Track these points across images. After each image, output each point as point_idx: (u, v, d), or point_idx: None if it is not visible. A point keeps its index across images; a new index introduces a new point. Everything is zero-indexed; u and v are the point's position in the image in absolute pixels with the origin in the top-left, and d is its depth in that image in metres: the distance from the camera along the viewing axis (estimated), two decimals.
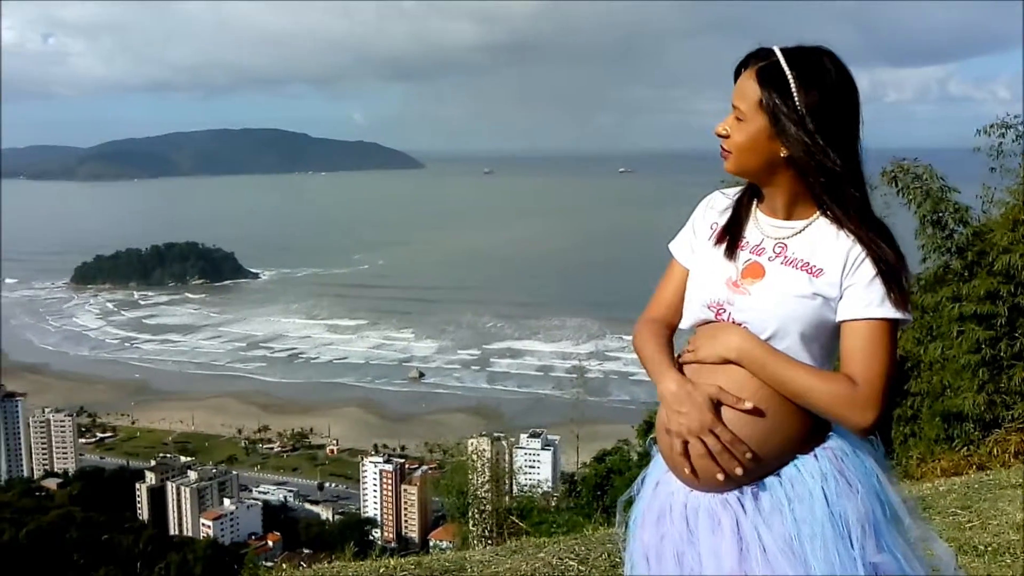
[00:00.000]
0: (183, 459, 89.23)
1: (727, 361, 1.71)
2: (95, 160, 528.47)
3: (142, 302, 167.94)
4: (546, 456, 72.30)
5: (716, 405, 1.68)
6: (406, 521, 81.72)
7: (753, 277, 1.73)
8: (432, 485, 64.24)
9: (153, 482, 79.80)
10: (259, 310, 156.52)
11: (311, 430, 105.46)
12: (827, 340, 1.70)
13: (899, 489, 1.72)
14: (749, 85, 1.69)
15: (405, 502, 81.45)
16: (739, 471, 1.67)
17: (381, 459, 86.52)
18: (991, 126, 9.61)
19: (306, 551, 61.14)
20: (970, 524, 4.28)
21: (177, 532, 73.65)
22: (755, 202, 1.81)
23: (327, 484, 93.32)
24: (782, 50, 1.68)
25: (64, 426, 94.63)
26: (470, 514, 16.26)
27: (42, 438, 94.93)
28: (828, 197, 1.69)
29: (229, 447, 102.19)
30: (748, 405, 1.68)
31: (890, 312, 1.64)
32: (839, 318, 1.67)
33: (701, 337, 1.76)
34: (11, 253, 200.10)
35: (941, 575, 1.76)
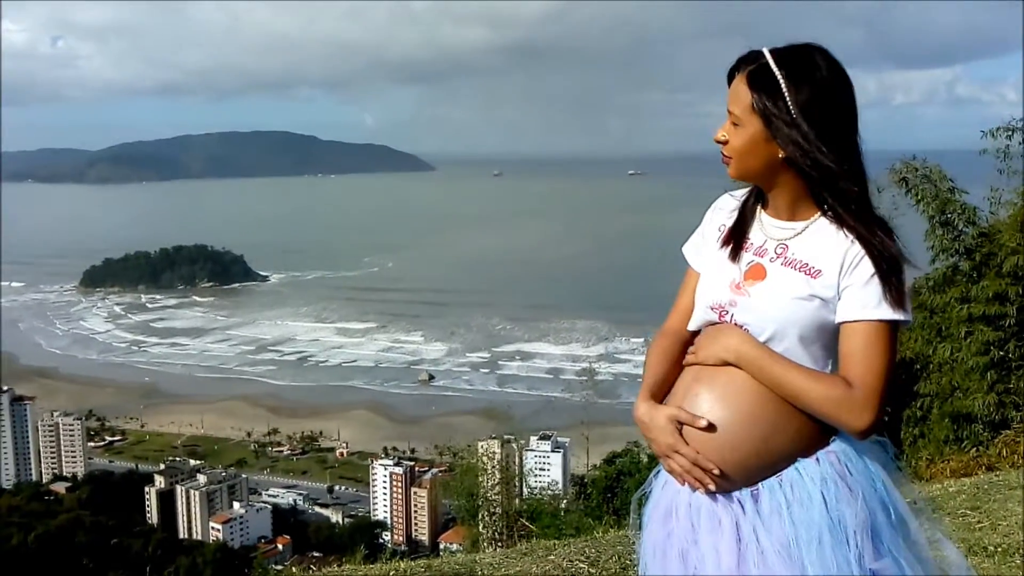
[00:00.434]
0: (192, 462, 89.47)
1: (727, 363, 1.72)
2: (105, 163, 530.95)
3: (151, 305, 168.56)
4: (556, 458, 72.17)
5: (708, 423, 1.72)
6: (416, 524, 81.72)
7: (755, 279, 1.75)
8: (442, 488, 64.39)
9: (162, 486, 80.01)
10: (268, 313, 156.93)
11: (321, 433, 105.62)
12: (829, 342, 1.70)
13: (910, 491, 1.73)
14: (741, 89, 1.70)
15: (415, 505, 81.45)
16: (711, 486, 1.69)
17: (391, 462, 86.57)
18: (998, 128, 9.59)
19: (316, 554, 61.17)
20: (980, 525, 4.28)
21: (186, 536, 73.87)
22: (760, 204, 1.82)
23: (337, 487, 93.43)
24: (772, 51, 1.69)
25: (73, 430, 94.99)
26: (480, 516, 16.28)
27: (51, 442, 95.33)
28: (827, 195, 1.70)
29: (238, 450, 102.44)
30: (703, 423, 1.70)
31: (887, 313, 1.64)
32: (837, 319, 1.67)
33: (702, 339, 1.79)
34: (20, 256, 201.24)
35: None
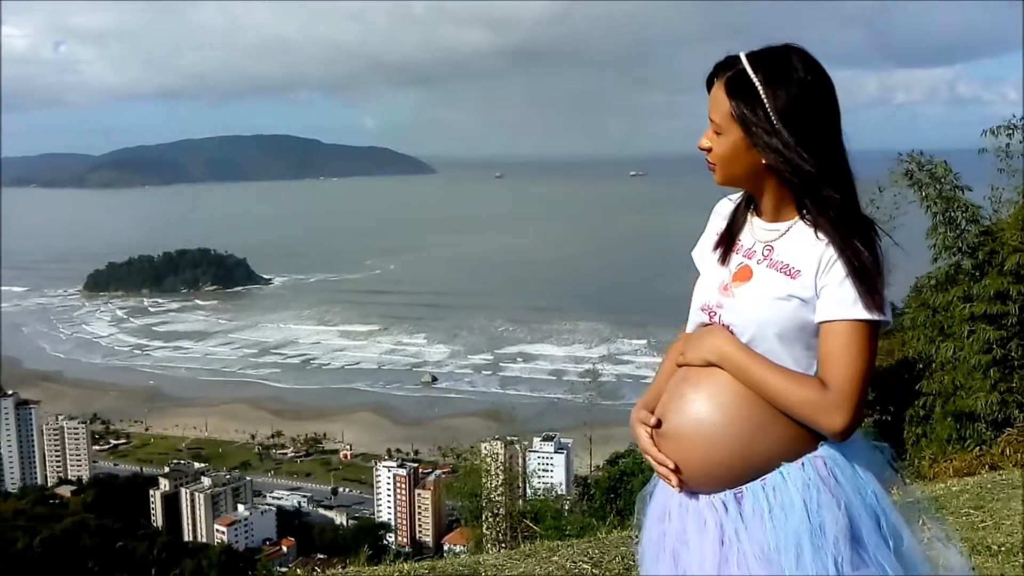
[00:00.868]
0: (197, 465, 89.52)
1: (711, 364, 1.74)
2: (106, 167, 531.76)
3: (154, 309, 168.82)
4: (559, 459, 72.15)
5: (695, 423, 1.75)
6: (420, 525, 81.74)
7: (741, 280, 1.77)
8: (445, 489, 64.37)
9: (167, 489, 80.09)
10: (271, 316, 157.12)
11: (324, 435, 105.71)
12: (811, 343, 1.69)
13: (911, 493, 1.72)
14: (720, 97, 1.70)
15: (419, 506, 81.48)
16: (674, 484, 1.74)
17: (394, 464, 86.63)
18: (998, 127, 9.59)
19: (320, 556, 61.22)
20: (983, 524, 4.29)
21: (191, 538, 73.92)
22: (752, 207, 1.84)
23: (341, 489, 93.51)
24: (748, 55, 1.68)
25: (78, 433, 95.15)
26: (484, 518, 16.29)
27: (56, 445, 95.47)
28: (806, 200, 1.70)
29: (243, 453, 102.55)
30: (653, 421, 1.78)
31: (862, 313, 1.62)
32: (816, 320, 1.67)
33: (691, 340, 1.80)
34: (23, 261, 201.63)
35: None
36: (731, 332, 1.74)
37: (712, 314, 1.79)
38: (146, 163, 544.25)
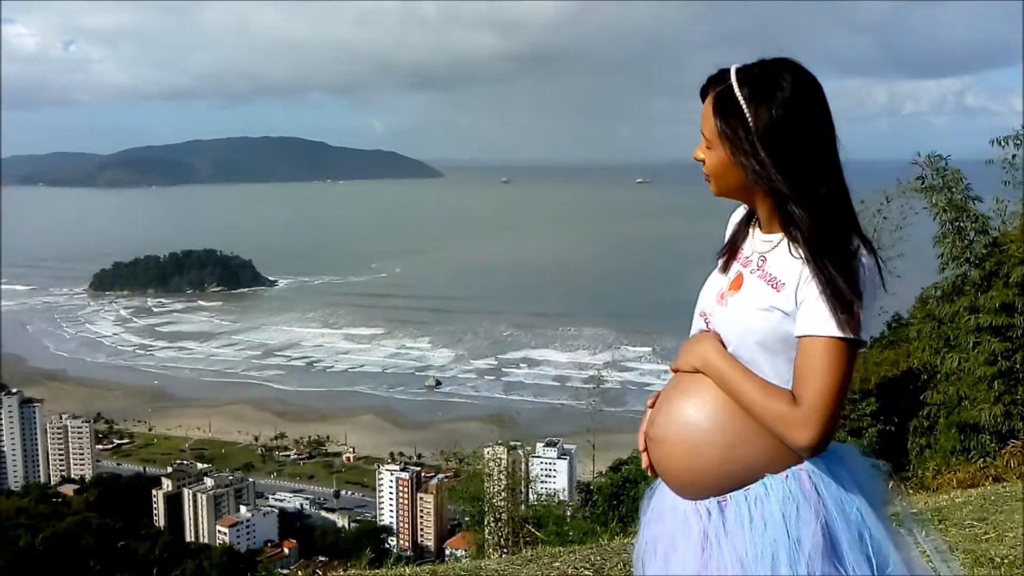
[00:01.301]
0: (200, 466, 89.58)
1: (697, 370, 1.78)
2: (115, 167, 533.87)
3: (160, 309, 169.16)
4: (562, 465, 72.03)
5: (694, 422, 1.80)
6: (422, 529, 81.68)
7: (734, 289, 1.80)
8: (448, 493, 64.32)
9: (169, 489, 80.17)
10: (276, 318, 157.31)
11: (327, 438, 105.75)
12: (793, 355, 1.68)
13: (911, 505, 1.70)
14: (709, 113, 1.73)
15: (421, 510, 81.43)
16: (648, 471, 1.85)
17: (397, 467, 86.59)
18: (1004, 138, 9.56)
19: (322, 559, 61.19)
20: (986, 536, 4.28)
21: (193, 539, 73.97)
22: (754, 217, 1.86)
23: (343, 492, 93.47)
24: (739, 69, 1.69)
25: (81, 432, 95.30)
26: (486, 522, 16.27)
27: (59, 444, 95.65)
28: (784, 214, 1.72)
29: (245, 454, 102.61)
30: (643, 425, 1.86)
31: (835, 330, 1.61)
32: (795, 334, 1.67)
33: (684, 346, 1.84)
34: (30, 260, 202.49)
35: None
36: (720, 340, 1.76)
37: (708, 321, 1.82)
38: (154, 163, 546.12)
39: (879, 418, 11.71)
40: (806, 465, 1.68)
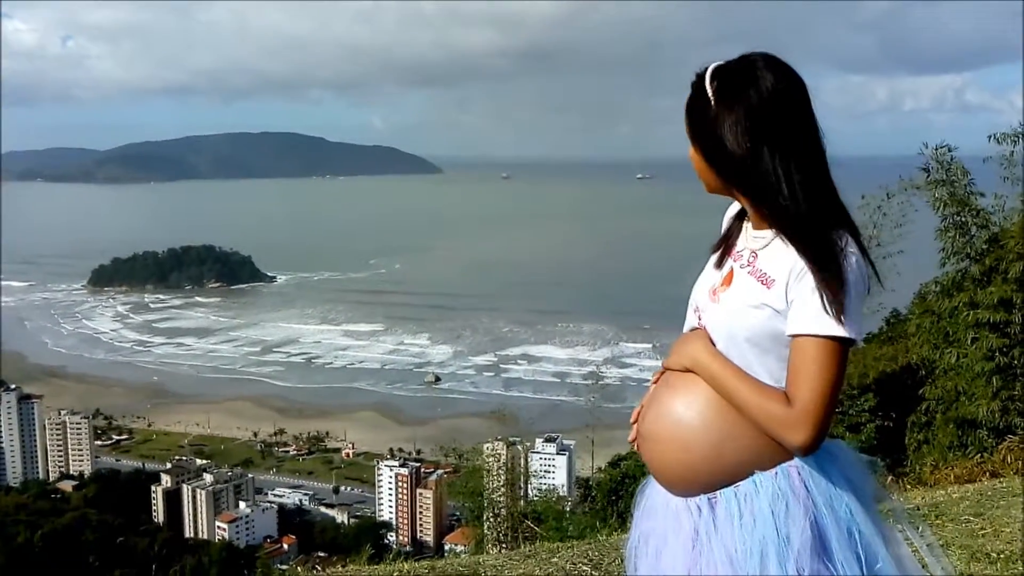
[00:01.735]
0: (199, 462, 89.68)
1: (688, 369, 1.78)
2: (113, 163, 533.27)
3: (159, 305, 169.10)
4: (561, 461, 72.22)
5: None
6: (421, 525, 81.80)
7: (726, 285, 1.79)
8: (447, 489, 64.39)
9: (169, 485, 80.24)
10: (275, 314, 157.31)
11: (327, 434, 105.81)
12: (784, 353, 1.68)
13: (903, 502, 1.73)
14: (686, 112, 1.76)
15: (420, 506, 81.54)
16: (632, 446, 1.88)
17: (396, 463, 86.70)
18: (1003, 135, 9.57)
19: (321, 554, 61.27)
20: (983, 531, 4.29)
21: (192, 535, 74.10)
22: (747, 213, 1.85)
23: (343, 488, 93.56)
24: (715, 69, 1.69)
25: (80, 428, 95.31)
26: (485, 518, 16.31)
27: (58, 440, 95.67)
28: (763, 212, 1.72)
29: (245, 450, 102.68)
30: (632, 420, 1.88)
31: (829, 329, 1.60)
32: (786, 333, 1.66)
33: (676, 344, 1.84)
34: (28, 255, 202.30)
35: None
36: (710, 338, 1.75)
37: (700, 317, 1.82)
38: (153, 159, 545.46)
39: (877, 413, 11.72)
40: (796, 462, 1.69)
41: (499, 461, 18.81)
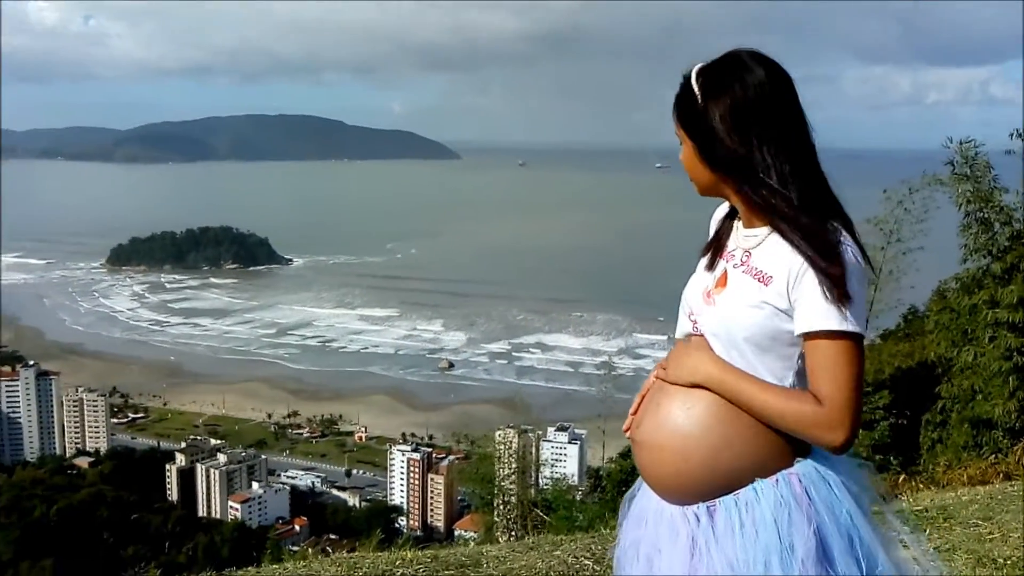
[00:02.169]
0: (213, 442, 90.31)
1: (697, 385, 1.73)
2: (132, 142, 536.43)
3: (175, 285, 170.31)
4: (572, 450, 72.29)
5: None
6: (432, 510, 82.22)
7: (721, 287, 1.76)
8: (458, 474, 64.69)
9: (183, 464, 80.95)
10: (291, 297, 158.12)
11: (340, 417, 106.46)
12: (786, 353, 1.66)
13: (900, 505, 1.73)
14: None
15: (432, 491, 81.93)
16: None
17: (409, 447, 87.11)
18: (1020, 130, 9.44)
19: (332, 536, 61.74)
20: (991, 536, 4.23)
21: (205, 514, 74.76)
22: (738, 213, 1.83)
23: (355, 471, 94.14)
24: (701, 68, 1.69)
25: (97, 406, 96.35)
26: (495, 505, 16.36)
27: (75, 417, 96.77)
28: (758, 207, 1.70)
29: (258, 431, 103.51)
30: (626, 425, 1.85)
31: (840, 324, 1.58)
32: (796, 331, 1.63)
33: (672, 357, 1.80)
34: (48, 233, 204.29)
35: None
36: (711, 348, 1.72)
37: (695, 320, 1.79)
38: (171, 139, 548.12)
39: (892, 411, 11.63)
40: (796, 468, 1.67)
41: (510, 449, 18.87)
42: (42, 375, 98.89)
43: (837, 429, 1.58)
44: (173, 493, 77.53)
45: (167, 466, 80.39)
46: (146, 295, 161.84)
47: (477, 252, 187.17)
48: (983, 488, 5.47)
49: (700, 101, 1.67)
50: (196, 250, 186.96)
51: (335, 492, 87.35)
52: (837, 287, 1.58)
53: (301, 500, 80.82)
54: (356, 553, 4.10)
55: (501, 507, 16.27)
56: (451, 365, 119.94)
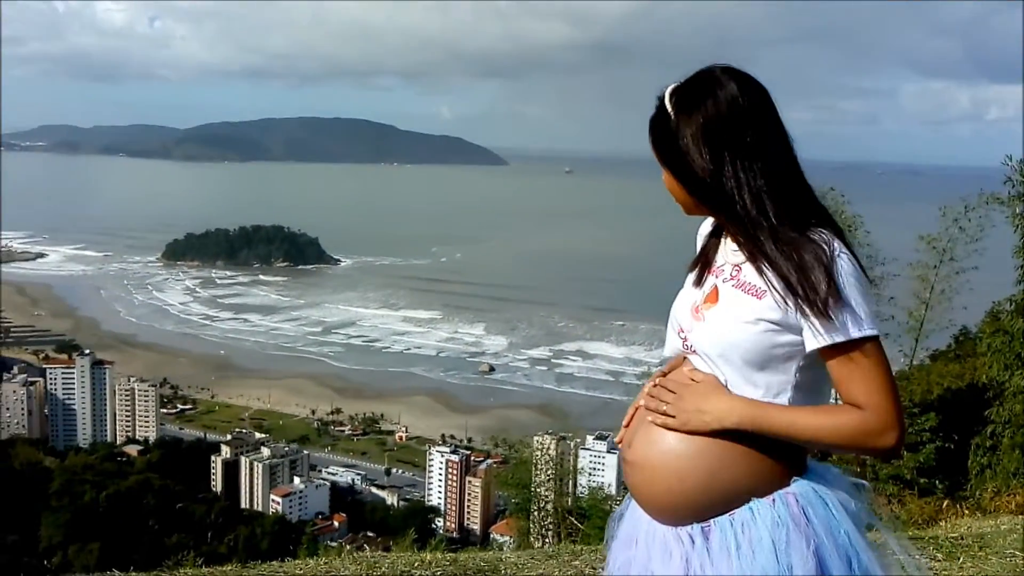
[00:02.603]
0: (257, 435, 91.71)
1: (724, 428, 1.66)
2: (191, 141, 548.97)
3: (226, 281, 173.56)
4: (611, 460, 71.62)
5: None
6: (469, 512, 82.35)
7: (711, 302, 1.71)
8: (496, 478, 64.67)
9: (228, 456, 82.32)
10: (337, 296, 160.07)
11: (382, 416, 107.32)
12: (782, 366, 1.62)
13: (880, 535, 1.65)
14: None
15: (469, 493, 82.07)
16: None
17: (448, 449, 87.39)
18: None
19: (370, 534, 62.20)
20: None
21: (248, 506, 75.82)
22: (725, 228, 1.79)
23: (394, 470, 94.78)
24: (674, 87, 1.66)
25: (148, 396, 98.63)
26: (531, 510, 16.28)
27: (126, 406, 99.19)
28: (732, 228, 1.67)
29: (302, 427, 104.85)
30: (618, 439, 1.79)
31: (861, 330, 1.55)
32: (815, 345, 1.57)
33: (684, 399, 1.69)
34: (107, 227, 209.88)
35: None
36: (725, 389, 1.65)
37: (685, 338, 1.75)
38: (228, 139, 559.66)
39: (939, 433, 11.31)
40: (793, 488, 1.62)
41: (547, 455, 18.77)
42: (97, 364, 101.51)
43: (888, 431, 1.55)
44: (217, 484, 78.83)
45: (212, 457, 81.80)
46: (198, 290, 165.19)
47: (521, 258, 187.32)
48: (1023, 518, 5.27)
49: (674, 121, 1.63)
50: (248, 247, 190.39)
51: (374, 490, 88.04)
52: (833, 297, 1.54)
53: (341, 497, 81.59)
54: (378, 552, 4.11)
55: (536, 513, 16.21)
56: (492, 369, 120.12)
